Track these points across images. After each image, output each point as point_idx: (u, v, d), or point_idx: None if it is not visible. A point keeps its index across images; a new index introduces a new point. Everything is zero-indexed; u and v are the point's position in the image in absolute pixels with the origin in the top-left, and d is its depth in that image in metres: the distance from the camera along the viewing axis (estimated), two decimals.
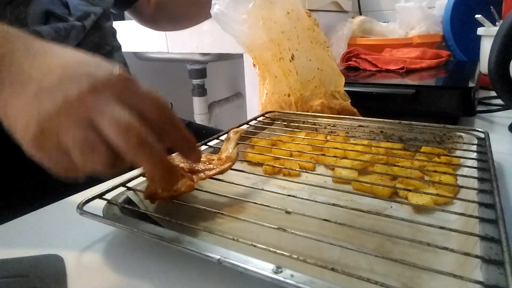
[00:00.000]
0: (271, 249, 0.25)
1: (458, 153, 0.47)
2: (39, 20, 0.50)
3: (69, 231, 0.34)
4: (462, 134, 0.49)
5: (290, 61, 0.58)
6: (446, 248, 0.25)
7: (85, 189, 0.42)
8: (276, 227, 0.28)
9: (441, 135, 0.50)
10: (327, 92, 0.62)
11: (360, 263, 0.27)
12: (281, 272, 0.23)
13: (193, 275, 0.28)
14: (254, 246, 0.26)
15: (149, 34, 1.29)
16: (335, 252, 0.28)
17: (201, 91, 1.58)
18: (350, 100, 0.64)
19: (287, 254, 0.25)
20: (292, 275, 0.22)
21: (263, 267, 0.23)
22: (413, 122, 0.52)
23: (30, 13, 0.49)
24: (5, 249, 0.31)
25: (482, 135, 0.46)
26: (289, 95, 0.61)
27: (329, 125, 0.56)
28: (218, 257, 0.24)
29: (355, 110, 0.63)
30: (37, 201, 0.39)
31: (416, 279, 0.26)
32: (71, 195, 0.41)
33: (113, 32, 0.66)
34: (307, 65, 0.60)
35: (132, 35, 1.27)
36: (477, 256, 0.24)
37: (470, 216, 0.30)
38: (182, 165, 0.37)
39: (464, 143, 0.48)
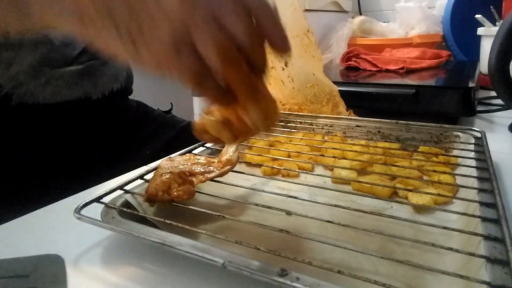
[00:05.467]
0: (276, 252, 0.25)
1: (455, 152, 0.47)
2: None
3: (69, 231, 0.34)
4: (459, 133, 0.49)
5: (283, 69, 0.58)
6: (451, 249, 0.25)
7: (85, 189, 0.42)
8: (279, 229, 0.28)
9: (438, 134, 0.50)
10: (330, 99, 0.62)
11: (363, 264, 0.28)
12: (286, 275, 0.23)
13: (194, 278, 0.27)
14: (258, 249, 0.26)
15: None
16: (338, 253, 0.28)
17: None
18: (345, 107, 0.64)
19: (292, 257, 0.25)
20: (297, 278, 0.22)
21: (268, 271, 0.23)
22: (410, 122, 0.52)
23: None
24: (5, 249, 0.31)
25: (479, 135, 0.46)
26: (283, 104, 0.61)
27: (326, 125, 0.56)
28: (222, 261, 0.24)
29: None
30: (37, 201, 0.40)
31: (420, 279, 0.26)
32: (71, 195, 0.41)
33: None
34: (302, 71, 0.60)
35: None
36: (482, 256, 0.24)
37: (472, 215, 0.30)
38: (181, 167, 0.37)
39: (461, 142, 0.48)
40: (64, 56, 0.53)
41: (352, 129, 0.55)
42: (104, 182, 0.44)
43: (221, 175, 0.37)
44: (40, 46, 0.50)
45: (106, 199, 0.33)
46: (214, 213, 0.32)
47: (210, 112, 0.29)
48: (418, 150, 0.48)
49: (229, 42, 0.22)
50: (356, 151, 0.46)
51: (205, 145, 0.48)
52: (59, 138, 0.55)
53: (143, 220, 0.31)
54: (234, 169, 0.39)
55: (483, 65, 0.85)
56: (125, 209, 0.32)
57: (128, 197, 0.34)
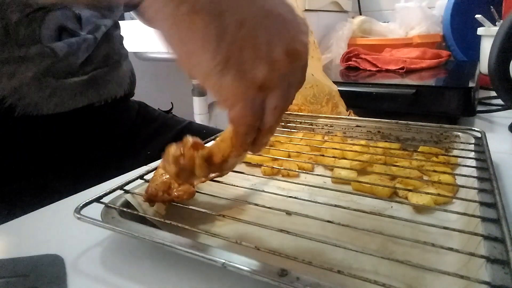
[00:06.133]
0: (276, 252, 0.25)
1: (455, 152, 0.47)
2: (52, 36, 0.50)
3: (69, 231, 0.34)
4: (459, 133, 0.49)
5: None
6: (451, 249, 0.25)
7: (85, 189, 0.42)
8: (278, 229, 0.28)
9: (438, 134, 0.50)
10: (329, 99, 0.62)
11: (363, 264, 0.28)
12: (286, 275, 0.23)
13: (194, 278, 0.27)
14: (258, 249, 0.26)
15: (149, 34, 1.29)
16: (338, 253, 0.28)
17: (201, 91, 1.57)
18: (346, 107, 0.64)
19: (292, 257, 0.25)
20: (297, 278, 0.22)
21: (268, 271, 0.23)
22: (410, 122, 0.52)
23: (44, 30, 0.49)
24: (5, 249, 0.31)
25: (479, 135, 0.46)
26: None
27: (326, 125, 0.57)
28: (222, 261, 0.24)
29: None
30: (37, 201, 0.39)
31: (420, 279, 0.26)
32: (71, 195, 0.41)
33: (121, 39, 0.66)
34: None
35: (132, 35, 1.27)
36: (482, 256, 0.24)
37: (472, 215, 0.30)
38: None
39: (461, 142, 0.48)
40: (69, 66, 0.52)
41: (352, 129, 0.55)
42: (104, 182, 0.44)
43: (221, 175, 0.37)
44: (45, 58, 0.49)
45: (106, 199, 0.33)
46: (214, 213, 0.32)
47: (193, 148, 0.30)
48: (418, 150, 0.48)
49: (287, 105, 0.25)
50: (356, 151, 0.46)
51: (205, 145, 0.47)
52: (61, 142, 0.55)
53: (143, 220, 0.31)
54: (234, 169, 0.39)
55: (483, 65, 0.85)
56: (125, 209, 0.32)
57: (128, 197, 0.34)
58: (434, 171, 0.40)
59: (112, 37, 0.61)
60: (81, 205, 0.31)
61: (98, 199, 0.32)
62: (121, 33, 0.67)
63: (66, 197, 0.40)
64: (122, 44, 0.66)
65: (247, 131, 0.25)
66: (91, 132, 0.59)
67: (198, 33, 0.20)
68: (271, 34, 0.21)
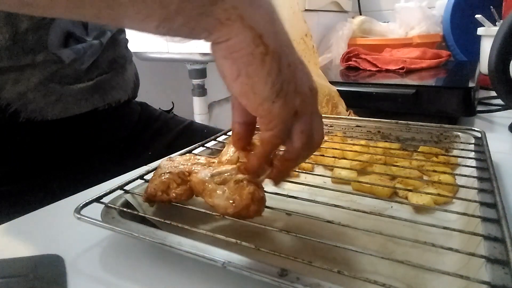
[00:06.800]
0: (276, 252, 0.25)
1: (455, 152, 0.47)
2: (59, 43, 0.50)
3: (69, 231, 0.34)
4: (459, 133, 0.49)
5: None
6: (451, 249, 0.25)
7: (85, 189, 0.42)
8: (278, 229, 0.28)
9: (438, 134, 0.50)
10: (329, 100, 0.62)
11: (363, 264, 0.28)
12: (286, 275, 0.23)
13: (194, 278, 0.27)
14: (258, 249, 0.26)
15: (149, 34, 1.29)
16: (338, 253, 0.28)
17: (201, 91, 1.57)
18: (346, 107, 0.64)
19: (292, 257, 0.25)
20: (297, 278, 0.22)
21: (268, 271, 0.23)
22: (410, 122, 0.52)
23: (50, 36, 0.49)
24: (5, 249, 0.31)
25: (479, 135, 0.47)
26: None
27: (326, 126, 0.57)
28: (222, 261, 0.24)
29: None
30: (37, 201, 0.39)
31: (420, 279, 0.26)
32: (71, 195, 0.41)
33: (126, 42, 0.66)
34: None
35: (132, 35, 1.27)
36: (482, 256, 0.24)
37: (472, 215, 0.30)
38: (181, 167, 0.37)
39: (461, 142, 0.48)
40: (74, 72, 0.52)
41: (352, 129, 0.55)
42: (104, 182, 0.44)
43: None
44: (51, 65, 0.49)
45: (106, 199, 0.33)
46: (214, 213, 0.32)
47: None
48: (418, 150, 0.48)
49: (311, 132, 0.29)
50: (356, 151, 0.46)
51: (205, 145, 0.48)
52: (64, 145, 0.55)
53: (143, 220, 0.31)
54: None
55: (483, 65, 0.85)
56: (125, 209, 0.32)
57: (128, 197, 0.34)
58: (434, 171, 0.40)
59: (118, 41, 0.61)
60: (81, 205, 0.31)
61: (98, 199, 0.32)
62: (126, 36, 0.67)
63: (66, 197, 0.40)
64: (127, 47, 0.66)
65: (271, 150, 0.29)
66: (94, 135, 0.59)
67: (265, 69, 0.25)
68: (301, 75, 0.27)
